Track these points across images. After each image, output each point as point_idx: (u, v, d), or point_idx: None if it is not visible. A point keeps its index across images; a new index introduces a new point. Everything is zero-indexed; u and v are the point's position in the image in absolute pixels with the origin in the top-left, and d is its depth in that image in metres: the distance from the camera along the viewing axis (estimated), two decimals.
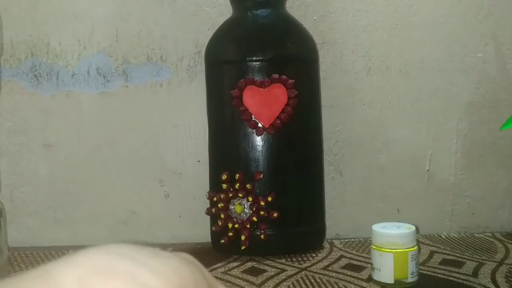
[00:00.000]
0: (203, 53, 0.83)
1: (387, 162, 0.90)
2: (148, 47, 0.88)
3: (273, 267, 0.72)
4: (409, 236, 0.62)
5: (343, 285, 0.64)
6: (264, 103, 0.75)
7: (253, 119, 0.75)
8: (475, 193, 0.91)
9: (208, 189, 0.79)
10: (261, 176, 0.75)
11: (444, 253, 0.77)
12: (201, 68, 0.85)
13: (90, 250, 0.19)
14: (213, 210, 0.77)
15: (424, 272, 0.68)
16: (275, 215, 0.74)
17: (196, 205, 0.86)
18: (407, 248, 0.62)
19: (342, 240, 0.85)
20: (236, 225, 0.75)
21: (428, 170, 0.91)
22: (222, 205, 0.75)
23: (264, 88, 0.75)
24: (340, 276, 0.68)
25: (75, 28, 0.87)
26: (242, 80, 0.75)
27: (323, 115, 0.83)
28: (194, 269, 0.20)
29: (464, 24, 0.89)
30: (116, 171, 0.88)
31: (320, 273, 0.69)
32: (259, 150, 0.75)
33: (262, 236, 0.74)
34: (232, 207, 0.75)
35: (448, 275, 0.67)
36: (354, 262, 0.74)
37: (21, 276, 0.18)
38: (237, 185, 0.74)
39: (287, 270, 0.70)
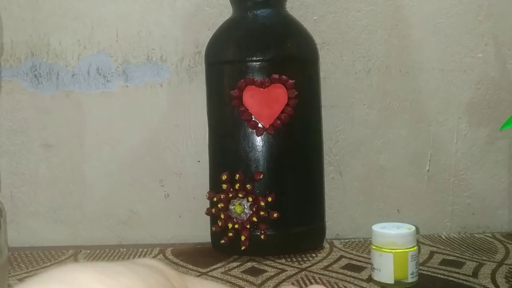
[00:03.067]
0: (203, 53, 0.83)
1: (387, 162, 0.90)
2: (148, 47, 0.88)
3: (273, 267, 0.72)
4: (409, 236, 0.62)
5: (343, 285, 0.64)
6: (264, 103, 0.75)
7: (253, 119, 0.75)
8: (475, 193, 0.91)
9: (208, 189, 0.79)
10: (261, 176, 0.75)
11: (444, 254, 0.77)
12: (201, 68, 0.85)
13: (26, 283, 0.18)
14: (213, 210, 0.77)
15: (424, 272, 0.68)
16: (275, 215, 0.74)
17: (196, 205, 0.86)
18: (407, 249, 0.62)
19: (342, 240, 0.85)
20: (236, 226, 0.75)
21: (428, 170, 0.91)
22: (222, 205, 0.75)
23: (264, 88, 0.75)
24: (340, 276, 0.68)
25: (75, 28, 0.87)
26: (242, 80, 0.75)
27: (323, 115, 0.83)
28: (153, 282, 0.19)
29: (464, 24, 0.89)
30: (116, 171, 0.88)
31: (320, 273, 0.69)
32: (259, 150, 0.75)
33: (262, 237, 0.74)
34: (232, 208, 0.75)
35: (448, 275, 0.67)
36: (354, 262, 0.74)
37: None
38: (237, 186, 0.74)
39: (287, 270, 0.70)
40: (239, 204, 0.75)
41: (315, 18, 0.88)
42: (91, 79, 0.87)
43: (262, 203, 0.74)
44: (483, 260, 0.73)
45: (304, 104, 0.76)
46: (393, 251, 0.61)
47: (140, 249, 0.82)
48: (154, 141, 0.88)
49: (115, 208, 0.89)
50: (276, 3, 0.79)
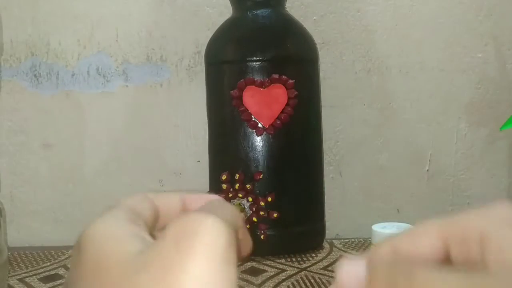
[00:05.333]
0: (203, 53, 0.83)
1: (387, 162, 0.90)
2: (148, 47, 0.88)
3: (273, 267, 0.72)
4: None
5: None
6: (264, 103, 0.75)
7: (253, 119, 0.75)
8: (475, 193, 0.91)
9: (208, 189, 0.79)
10: (261, 176, 0.75)
11: None
12: (201, 68, 0.85)
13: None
14: None
15: None
16: (275, 215, 0.74)
17: None
18: None
19: (342, 240, 0.85)
20: None
21: (428, 170, 0.91)
22: None
23: (264, 88, 0.75)
24: None
25: (75, 28, 0.87)
26: (242, 80, 0.75)
27: (323, 115, 0.83)
28: None
29: (464, 24, 0.89)
30: (116, 171, 0.88)
31: (319, 273, 0.69)
32: (259, 150, 0.75)
33: (262, 236, 0.74)
34: None
35: None
36: None
37: None
38: (237, 185, 0.74)
39: (287, 270, 0.70)
40: (239, 204, 0.75)
41: (315, 18, 0.88)
42: (91, 79, 0.87)
43: (262, 203, 0.74)
44: None
45: (304, 104, 0.76)
46: None
47: None
48: (154, 141, 0.88)
49: None
50: (276, 3, 0.79)
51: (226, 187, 0.75)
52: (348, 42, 0.89)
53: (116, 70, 0.88)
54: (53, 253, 0.80)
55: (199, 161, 0.87)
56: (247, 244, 0.25)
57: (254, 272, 0.70)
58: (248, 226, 0.74)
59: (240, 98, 0.75)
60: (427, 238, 0.21)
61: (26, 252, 0.81)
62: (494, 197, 0.91)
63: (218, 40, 0.79)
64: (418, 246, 0.21)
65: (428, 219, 0.22)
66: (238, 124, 0.75)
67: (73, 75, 0.87)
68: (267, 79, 0.74)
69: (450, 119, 0.90)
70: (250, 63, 0.75)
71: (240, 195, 0.74)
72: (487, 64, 0.90)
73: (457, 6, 0.89)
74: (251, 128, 0.75)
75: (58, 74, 0.87)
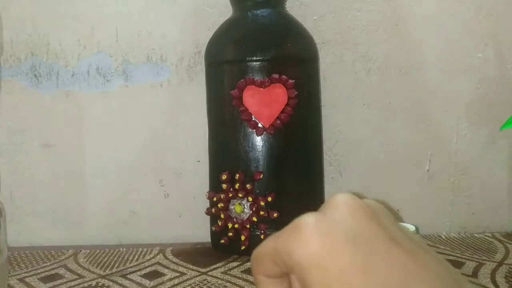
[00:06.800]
0: (203, 53, 0.83)
1: (387, 162, 0.90)
2: (148, 47, 0.88)
3: None
4: None
5: None
6: (264, 103, 0.75)
7: (253, 119, 0.75)
8: (475, 193, 0.91)
9: (208, 189, 0.80)
10: (261, 176, 0.75)
11: (444, 253, 0.77)
12: (201, 68, 0.85)
13: None
14: (213, 210, 0.77)
15: None
16: (275, 215, 0.74)
17: (196, 205, 0.86)
18: None
19: None
20: (236, 225, 0.75)
21: (428, 170, 0.91)
22: (222, 205, 0.75)
23: (264, 88, 0.75)
24: None
25: (75, 28, 0.87)
26: (242, 80, 0.75)
27: (323, 115, 0.83)
28: None
29: (464, 24, 0.89)
30: (116, 171, 0.88)
31: None
32: (259, 150, 0.75)
33: (262, 236, 0.74)
34: (232, 207, 0.75)
35: None
36: None
37: None
38: (237, 185, 0.74)
39: None
40: (239, 204, 0.75)
41: (315, 18, 0.88)
42: (91, 79, 0.87)
43: (262, 203, 0.74)
44: (483, 260, 0.73)
45: (304, 104, 0.76)
46: None
47: (140, 249, 0.82)
48: (154, 141, 0.88)
49: (115, 208, 0.89)
50: (276, 3, 0.79)
51: (226, 187, 0.75)
52: (348, 42, 0.89)
53: (116, 70, 0.88)
54: (53, 253, 0.80)
55: (199, 161, 0.87)
56: None
57: None
58: (248, 226, 0.74)
59: (240, 98, 0.75)
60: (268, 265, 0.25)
61: (26, 252, 0.81)
62: (494, 197, 0.91)
63: (218, 40, 0.79)
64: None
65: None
66: (238, 124, 0.76)
67: (73, 75, 0.87)
68: (267, 79, 0.74)
69: (450, 119, 0.90)
70: (250, 63, 0.75)
71: (240, 195, 0.74)
72: (487, 64, 0.90)
73: (457, 6, 0.89)
74: (251, 128, 0.75)
75: (58, 74, 0.87)
